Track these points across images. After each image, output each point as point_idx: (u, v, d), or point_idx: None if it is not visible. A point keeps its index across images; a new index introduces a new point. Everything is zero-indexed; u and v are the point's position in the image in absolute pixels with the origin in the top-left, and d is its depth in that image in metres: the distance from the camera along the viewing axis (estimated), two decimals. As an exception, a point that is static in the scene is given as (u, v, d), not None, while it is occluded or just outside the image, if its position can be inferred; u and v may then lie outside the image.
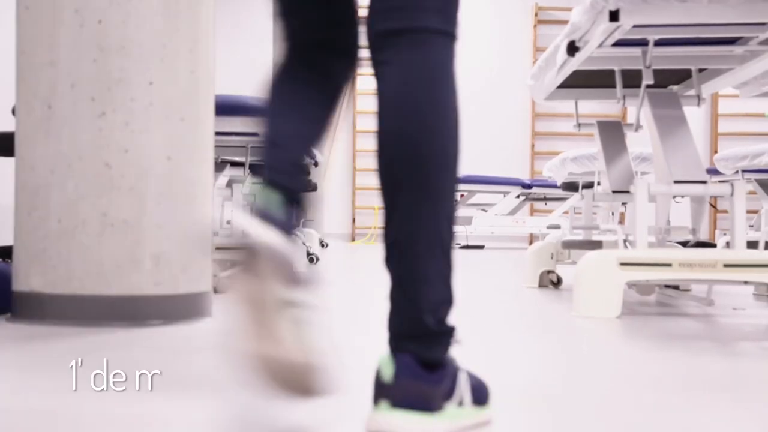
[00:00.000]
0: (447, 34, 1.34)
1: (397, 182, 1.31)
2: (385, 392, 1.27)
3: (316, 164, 6.44)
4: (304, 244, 5.79)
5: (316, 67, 1.49)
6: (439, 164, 1.31)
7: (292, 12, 1.51)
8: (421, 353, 1.29)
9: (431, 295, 1.30)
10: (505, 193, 10.85)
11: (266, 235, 1.31)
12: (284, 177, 1.39)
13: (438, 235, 1.30)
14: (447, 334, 1.33)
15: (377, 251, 9.56)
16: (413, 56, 1.32)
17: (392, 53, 1.33)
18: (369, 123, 12.91)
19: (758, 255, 3.10)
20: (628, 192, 3.87)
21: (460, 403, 1.36)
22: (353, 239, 13.03)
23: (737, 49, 3.45)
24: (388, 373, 1.28)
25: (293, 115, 1.45)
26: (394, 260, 1.32)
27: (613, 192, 3.93)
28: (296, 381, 1.31)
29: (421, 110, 1.30)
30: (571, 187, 6.09)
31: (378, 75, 1.35)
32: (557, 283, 4.51)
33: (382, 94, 1.34)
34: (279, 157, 1.41)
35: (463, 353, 1.44)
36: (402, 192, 1.31)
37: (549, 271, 4.52)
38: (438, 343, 1.32)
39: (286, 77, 1.49)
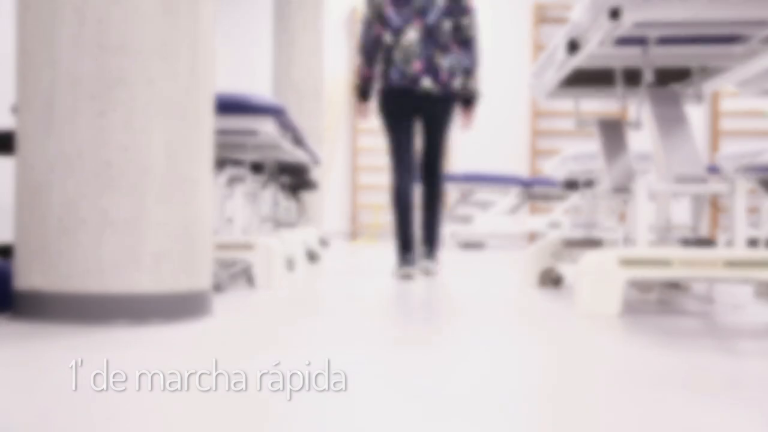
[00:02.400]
0: (442, 175, 5.51)
1: (430, 201, 5.49)
2: (424, 256, 5.40)
3: (317, 162, 6.43)
4: (305, 242, 5.81)
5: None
6: (440, 198, 5.51)
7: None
8: (433, 247, 5.44)
9: (439, 235, 5.46)
10: (506, 192, 10.86)
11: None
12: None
13: (440, 219, 5.48)
14: (438, 243, 5.45)
15: (378, 250, 9.56)
16: (437, 180, 5.47)
17: (432, 179, 5.46)
18: (369, 123, 12.91)
19: (758, 253, 3.10)
20: (628, 190, 3.87)
21: (436, 259, 5.46)
22: (354, 237, 13.03)
23: (738, 48, 3.45)
24: (426, 252, 5.39)
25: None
26: (429, 224, 5.43)
27: (614, 190, 3.93)
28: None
29: (439, 193, 5.49)
30: (571, 185, 6.09)
31: (428, 182, 5.46)
32: (558, 281, 4.51)
33: (429, 187, 5.46)
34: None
35: (463, 353, 1.44)
36: (433, 206, 5.48)
37: (549, 270, 4.52)
38: (437, 245, 5.45)
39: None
